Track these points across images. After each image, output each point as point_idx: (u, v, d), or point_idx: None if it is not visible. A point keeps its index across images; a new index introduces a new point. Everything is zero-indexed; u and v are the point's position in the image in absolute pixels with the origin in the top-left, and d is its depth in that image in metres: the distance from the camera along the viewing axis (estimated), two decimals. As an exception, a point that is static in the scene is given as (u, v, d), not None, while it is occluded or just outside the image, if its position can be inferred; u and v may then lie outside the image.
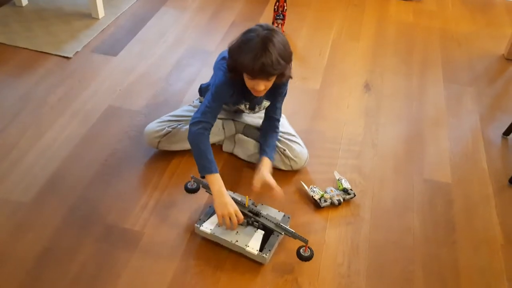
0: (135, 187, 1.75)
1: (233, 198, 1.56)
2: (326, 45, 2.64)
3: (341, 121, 2.13)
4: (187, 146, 1.78)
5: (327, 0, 3.11)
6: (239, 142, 1.88)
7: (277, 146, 1.81)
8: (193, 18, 2.79)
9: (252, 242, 1.50)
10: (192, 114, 1.79)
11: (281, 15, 2.66)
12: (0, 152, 1.85)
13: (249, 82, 1.56)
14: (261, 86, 1.54)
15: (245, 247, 1.49)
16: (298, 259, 1.51)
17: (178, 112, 1.90)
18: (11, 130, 1.96)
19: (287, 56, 1.52)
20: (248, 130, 1.91)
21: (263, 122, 1.83)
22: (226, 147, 1.91)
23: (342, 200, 1.72)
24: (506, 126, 2.09)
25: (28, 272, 1.45)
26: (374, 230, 1.66)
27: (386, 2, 3.14)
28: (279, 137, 1.83)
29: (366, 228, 1.66)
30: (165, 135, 1.81)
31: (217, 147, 1.92)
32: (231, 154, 1.90)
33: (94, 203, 1.68)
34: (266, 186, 1.62)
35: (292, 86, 2.28)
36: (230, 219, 1.51)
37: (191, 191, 1.68)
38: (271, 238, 1.53)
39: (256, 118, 1.90)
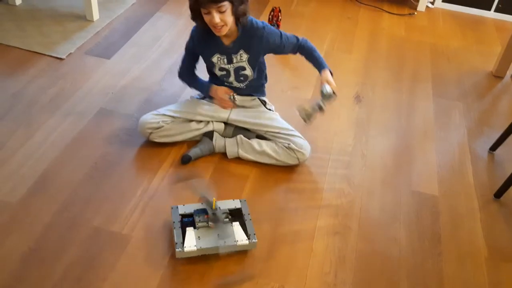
0: (124, 190, 1.75)
1: (198, 210, 1.58)
2: (319, 56, 2.67)
3: (331, 131, 2.15)
4: (177, 138, 1.92)
5: (321, 12, 3.14)
6: (241, 144, 1.91)
7: (279, 141, 1.88)
8: (188, 24, 2.80)
9: (238, 236, 1.54)
10: (190, 111, 1.92)
11: (276, 25, 2.68)
12: (-12, 151, 1.84)
13: (206, 18, 1.70)
14: (217, 18, 1.68)
15: (236, 243, 1.52)
16: (285, 268, 1.52)
17: (176, 107, 1.95)
18: (1, 128, 1.94)
19: None
20: (237, 132, 1.94)
21: (304, 57, 1.97)
22: (231, 150, 1.91)
23: (322, 104, 1.78)
24: (493, 141, 2.13)
25: (12, 273, 1.44)
26: (361, 240, 1.67)
27: (379, 16, 3.18)
28: (279, 134, 1.89)
29: (353, 238, 1.67)
30: (157, 128, 1.87)
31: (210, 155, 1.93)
32: (220, 161, 1.91)
33: (82, 205, 1.67)
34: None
35: (283, 95, 2.30)
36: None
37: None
38: (247, 223, 1.58)
39: (244, 117, 1.95)
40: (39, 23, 2.63)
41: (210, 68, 1.95)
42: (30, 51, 2.41)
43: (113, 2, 2.93)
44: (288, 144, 1.86)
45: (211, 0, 1.64)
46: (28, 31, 2.55)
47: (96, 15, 2.71)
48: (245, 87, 1.95)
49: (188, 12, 1.76)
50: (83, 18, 2.71)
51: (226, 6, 1.66)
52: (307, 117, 1.80)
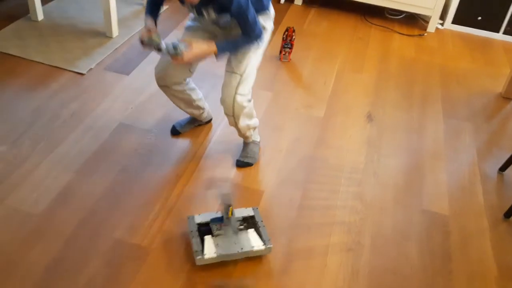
0: (144, 203, 1.80)
1: (215, 218, 1.66)
2: (331, 75, 2.73)
3: (343, 149, 2.20)
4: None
5: (333, 32, 3.22)
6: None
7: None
8: (204, 42, 2.87)
9: (254, 242, 1.61)
10: None
11: (289, 44, 2.75)
12: (12, 163, 1.90)
13: None
14: None
15: (252, 249, 1.58)
16: (299, 283, 1.56)
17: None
18: (24, 141, 2.01)
19: None
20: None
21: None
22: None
23: (169, 48, 1.74)
24: (502, 162, 2.17)
25: (36, 283, 1.49)
26: (373, 257, 1.71)
27: (390, 36, 3.25)
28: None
29: (366, 255, 1.72)
30: None
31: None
32: (236, 177, 1.96)
33: (103, 218, 1.72)
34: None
35: (296, 113, 2.36)
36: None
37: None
38: (261, 230, 1.65)
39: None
40: (61, 39, 2.71)
41: None
42: (52, 66, 2.49)
43: (132, 19, 3.02)
44: None
45: None
46: (50, 46, 2.64)
47: (115, 32, 2.79)
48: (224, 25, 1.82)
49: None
50: (103, 35, 2.79)
51: None
52: (150, 42, 1.78)
